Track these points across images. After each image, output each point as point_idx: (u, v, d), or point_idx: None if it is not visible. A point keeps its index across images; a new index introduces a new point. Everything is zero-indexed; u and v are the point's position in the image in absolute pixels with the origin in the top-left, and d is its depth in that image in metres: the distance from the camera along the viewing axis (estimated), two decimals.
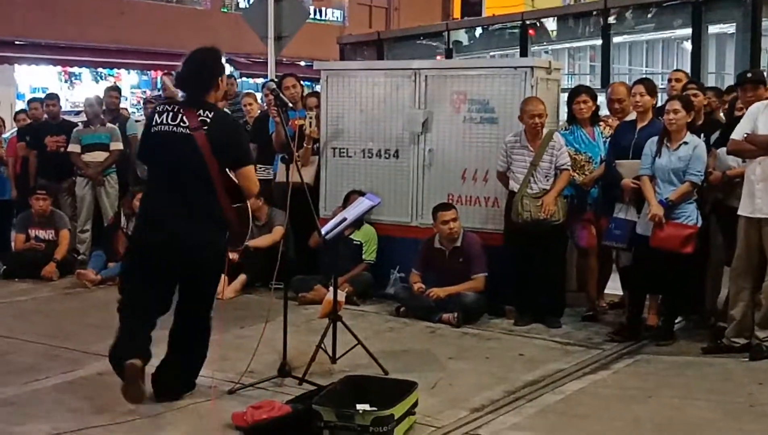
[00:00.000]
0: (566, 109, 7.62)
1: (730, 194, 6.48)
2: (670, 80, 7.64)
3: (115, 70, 23.00)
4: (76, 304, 8.00)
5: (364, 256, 8.01)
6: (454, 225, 7.29)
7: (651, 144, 6.55)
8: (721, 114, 7.41)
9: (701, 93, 7.13)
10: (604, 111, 7.89)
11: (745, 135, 6.03)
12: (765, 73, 7.02)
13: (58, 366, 5.85)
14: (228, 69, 19.32)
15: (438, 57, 15.07)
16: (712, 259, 6.88)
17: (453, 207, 7.42)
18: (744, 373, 5.81)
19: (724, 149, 6.43)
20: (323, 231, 5.90)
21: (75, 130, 9.95)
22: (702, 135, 6.70)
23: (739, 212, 6.10)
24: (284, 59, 18.45)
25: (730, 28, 12.89)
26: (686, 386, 5.62)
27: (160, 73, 19.32)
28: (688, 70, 11.64)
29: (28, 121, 10.63)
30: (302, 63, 22.18)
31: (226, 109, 7.07)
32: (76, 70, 22.58)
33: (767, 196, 5.93)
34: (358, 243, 7.99)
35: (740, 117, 6.44)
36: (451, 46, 15.39)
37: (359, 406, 4.53)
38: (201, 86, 5.05)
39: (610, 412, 5.13)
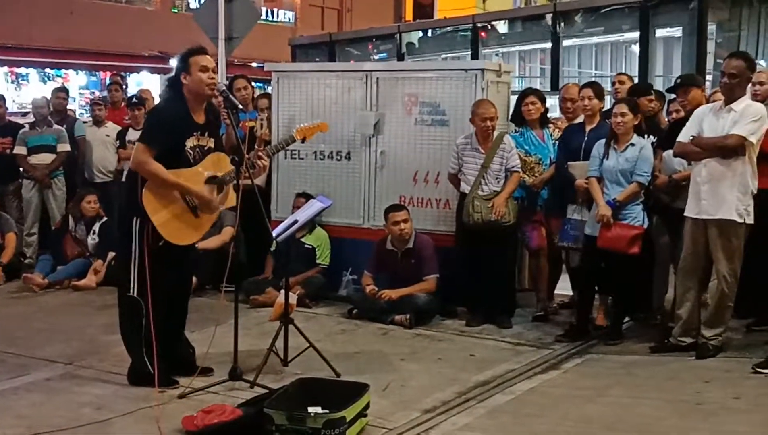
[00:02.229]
0: (513, 111, 7.67)
1: (676, 197, 6.58)
2: (614, 83, 7.75)
3: (63, 71, 22.64)
4: (23, 308, 7.86)
5: (318, 260, 7.96)
6: (406, 226, 7.31)
7: (599, 146, 6.64)
8: (665, 117, 7.53)
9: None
10: (553, 113, 7.96)
11: (691, 137, 6.12)
12: (710, 76, 7.16)
13: (5, 371, 5.75)
14: None
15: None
16: (658, 259, 6.98)
17: (404, 208, 7.43)
18: (691, 372, 5.89)
19: (670, 152, 6.52)
20: (274, 234, 5.88)
21: (21, 131, 9.80)
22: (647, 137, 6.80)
23: (686, 214, 6.19)
24: (235, 60, 18.34)
25: (677, 31, 13.09)
26: (635, 385, 5.69)
27: (108, 73, 19.09)
28: (636, 73, 11.85)
29: None
30: (253, 64, 22.03)
31: None
32: (23, 70, 22.17)
33: (712, 197, 6.01)
34: (310, 247, 7.96)
35: (678, 121, 6.66)
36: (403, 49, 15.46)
37: (311, 409, 4.51)
38: None
39: (560, 412, 5.17)
